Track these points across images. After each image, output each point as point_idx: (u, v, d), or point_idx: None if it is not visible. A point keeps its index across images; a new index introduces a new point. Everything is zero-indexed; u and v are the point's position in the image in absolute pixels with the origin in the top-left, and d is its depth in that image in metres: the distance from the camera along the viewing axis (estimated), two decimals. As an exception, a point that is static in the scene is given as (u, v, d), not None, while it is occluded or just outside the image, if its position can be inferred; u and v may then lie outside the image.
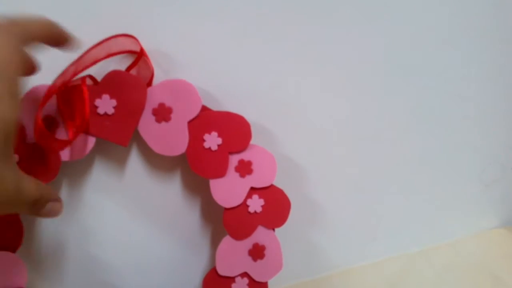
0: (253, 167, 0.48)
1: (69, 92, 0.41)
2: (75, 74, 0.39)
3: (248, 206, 0.50)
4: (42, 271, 0.51)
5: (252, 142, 0.48)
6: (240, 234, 0.50)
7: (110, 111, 0.42)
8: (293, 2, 0.47)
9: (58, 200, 0.36)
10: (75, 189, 0.49)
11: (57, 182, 0.47)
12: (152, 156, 0.49)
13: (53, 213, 0.35)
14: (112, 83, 0.42)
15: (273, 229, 0.52)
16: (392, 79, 0.57)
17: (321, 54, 0.51)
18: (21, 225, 0.43)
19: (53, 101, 0.41)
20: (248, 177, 0.49)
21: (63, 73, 0.39)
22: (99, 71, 0.43)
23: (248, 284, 0.53)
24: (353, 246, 0.68)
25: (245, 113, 0.47)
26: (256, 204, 0.50)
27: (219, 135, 0.46)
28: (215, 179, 0.48)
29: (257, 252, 0.52)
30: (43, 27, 0.34)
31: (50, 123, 0.42)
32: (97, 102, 0.42)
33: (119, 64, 0.44)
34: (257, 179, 0.49)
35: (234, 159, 0.48)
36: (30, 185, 0.31)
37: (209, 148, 0.46)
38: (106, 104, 0.42)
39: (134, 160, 0.49)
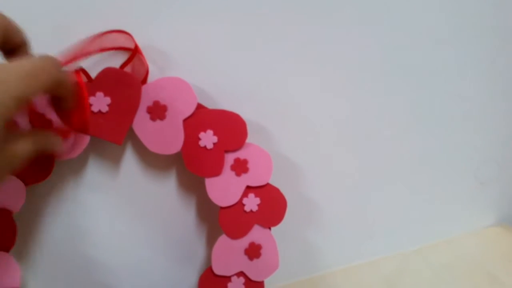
0: (249, 165, 0.48)
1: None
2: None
3: (244, 205, 0.49)
4: (36, 271, 0.51)
5: (248, 140, 0.48)
6: (236, 233, 0.50)
7: (104, 109, 0.42)
8: (292, 2, 0.47)
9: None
10: (69, 188, 0.48)
11: (50, 181, 0.47)
12: (147, 155, 0.49)
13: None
14: (106, 81, 0.41)
15: (269, 228, 0.52)
16: (390, 79, 0.57)
17: (319, 53, 0.51)
18: (14, 224, 0.43)
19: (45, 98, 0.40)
20: (244, 176, 0.48)
21: None
22: (93, 68, 0.42)
23: (244, 283, 0.53)
24: (350, 245, 0.68)
25: (241, 112, 0.47)
26: (252, 203, 0.50)
27: (214, 134, 0.46)
28: (211, 177, 0.47)
29: (253, 251, 0.51)
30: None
31: (42, 121, 0.41)
32: (91, 99, 0.41)
33: (113, 61, 0.44)
34: (253, 178, 0.49)
35: (229, 158, 0.48)
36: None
37: (205, 147, 0.46)
38: (100, 102, 0.42)
39: (129, 158, 0.49)
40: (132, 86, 0.42)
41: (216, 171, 0.47)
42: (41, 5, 0.40)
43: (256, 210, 0.50)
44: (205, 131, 0.46)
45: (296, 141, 0.55)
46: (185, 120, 0.45)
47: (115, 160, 0.49)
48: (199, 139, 0.46)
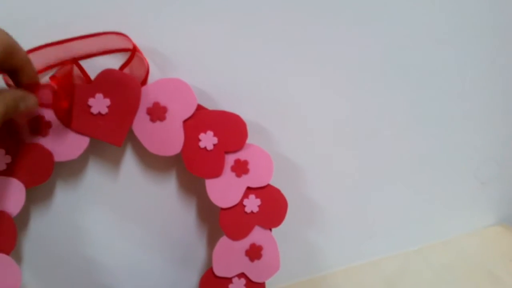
0: (250, 166, 0.48)
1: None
2: (64, 62, 0.39)
3: (244, 206, 0.49)
4: (36, 273, 0.51)
5: (248, 141, 0.47)
6: (236, 234, 0.50)
7: (104, 110, 0.42)
8: (292, 2, 0.47)
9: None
10: (69, 190, 0.48)
11: (50, 182, 0.47)
12: (147, 156, 0.49)
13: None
14: (106, 82, 0.41)
15: (270, 229, 0.52)
16: (390, 79, 0.57)
17: (319, 53, 0.51)
18: (14, 227, 0.43)
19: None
20: (244, 177, 0.48)
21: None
22: (92, 70, 0.42)
23: (245, 285, 0.53)
24: (351, 245, 0.68)
25: (241, 112, 0.46)
26: (252, 204, 0.49)
27: (214, 135, 0.46)
28: (211, 179, 0.47)
29: (254, 253, 0.51)
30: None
31: (43, 123, 0.41)
32: (91, 101, 0.41)
33: (112, 62, 0.43)
34: (253, 179, 0.49)
35: (230, 159, 0.47)
36: None
37: (205, 148, 0.46)
38: (99, 104, 0.42)
39: (129, 160, 0.49)
40: (132, 87, 0.42)
41: (216, 172, 0.47)
42: (41, 4, 0.40)
43: (257, 211, 0.50)
44: (205, 132, 0.45)
45: (296, 141, 0.55)
46: (185, 121, 0.45)
47: (115, 161, 0.49)
48: (199, 140, 0.46)
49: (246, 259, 0.51)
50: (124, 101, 0.42)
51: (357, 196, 0.64)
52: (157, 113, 0.44)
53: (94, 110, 0.41)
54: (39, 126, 0.41)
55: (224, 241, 0.50)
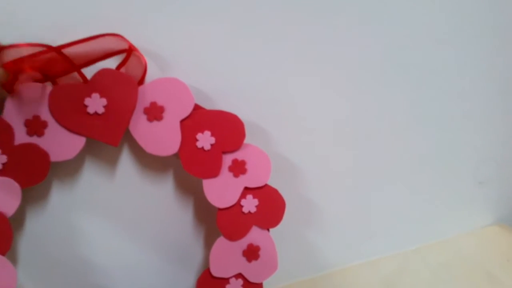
0: (247, 166, 0.48)
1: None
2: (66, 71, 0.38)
3: (242, 206, 0.49)
4: (32, 274, 0.50)
5: (247, 141, 0.47)
6: (234, 234, 0.50)
7: (100, 110, 0.41)
8: (292, 2, 0.47)
9: None
10: (65, 190, 0.48)
11: (46, 183, 0.47)
12: (143, 156, 0.49)
13: None
14: (102, 82, 0.41)
15: (268, 229, 0.52)
16: (390, 79, 0.57)
17: (319, 53, 0.51)
18: (9, 227, 0.42)
19: (41, 100, 0.40)
20: (242, 177, 0.48)
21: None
22: (88, 69, 0.42)
23: (243, 285, 0.53)
24: (349, 245, 0.68)
25: (238, 112, 0.46)
26: (250, 204, 0.49)
27: (212, 134, 0.46)
28: (208, 179, 0.47)
29: (251, 253, 0.51)
30: None
31: (38, 123, 0.41)
32: (87, 101, 0.41)
33: (109, 62, 0.43)
34: (251, 179, 0.48)
35: (227, 159, 0.47)
36: None
37: (202, 148, 0.46)
38: (96, 103, 0.41)
39: (126, 160, 0.49)
40: (128, 87, 0.42)
41: (213, 173, 0.47)
42: (41, 4, 0.40)
43: (255, 212, 0.50)
44: (202, 132, 0.45)
45: (295, 141, 0.55)
46: (182, 121, 0.44)
47: (112, 162, 0.48)
48: (197, 140, 0.45)
49: (244, 259, 0.51)
50: (121, 100, 0.42)
51: (355, 196, 0.64)
52: (154, 112, 0.43)
53: (91, 110, 0.41)
54: (35, 126, 0.41)
55: (221, 241, 0.50)
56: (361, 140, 0.59)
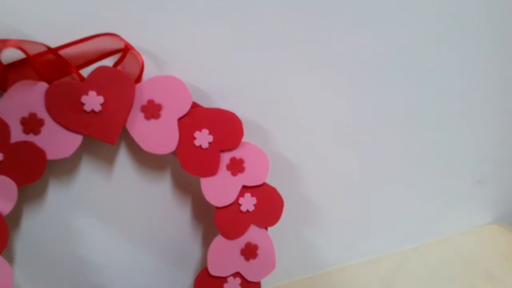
0: (245, 165, 0.48)
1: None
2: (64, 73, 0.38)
3: (240, 205, 0.49)
4: (28, 273, 0.50)
5: (244, 139, 0.47)
6: (232, 233, 0.50)
7: (97, 108, 0.41)
8: (292, 2, 0.47)
9: None
10: (62, 188, 0.48)
11: (43, 181, 0.46)
12: (141, 154, 0.49)
13: None
14: (99, 79, 0.41)
15: (266, 228, 0.52)
16: (389, 79, 0.57)
17: (318, 53, 0.51)
18: (5, 226, 0.42)
19: (37, 98, 0.40)
20: (240, 175, 0.48)
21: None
22: (85, 68, 0.42)
23: (241, 284, 0.52)
24: (348, 244, 0.68)
25: (237, 111, 0.46)
26: (248, 202, 0.49)
27: (210, 133, 0.45)
28: (206, 177, 0.47)
29: (249, 252, 0.51)
30: None
31: (35, 121, 0.40)
32: (84, 98, 0.41)
33: (106, 60, 0.43)
34: (249, 177, 0.48)
35: (225, 157, 0.47)
36: None
37: (200, 146, 0.45)
38: (93, 101, 0.41)
39: (123, 158, 0.49)
40: (125, 84, 0.42)
41: (211, 171, 0.47)
42: (40, 6, 0.40)
43: (253, 210, 0.50)
44: (200, 130, 0.45)
45: (293, 140, 0.55)
46: (180, 119, 0.44)
47: (109, 160, 0.48)
48: (194, 138, 0.45)
49: (242, 258, 0.51)
50: (118, 98, 0.42)
51: (354, 195, 0.64)
52: (152, 110, 0.43)
53: (87, 108, 0.41)
54: (32, 124, 0.40)
55: (219, 240, 0.50)
56: (360, 140, 0.59)
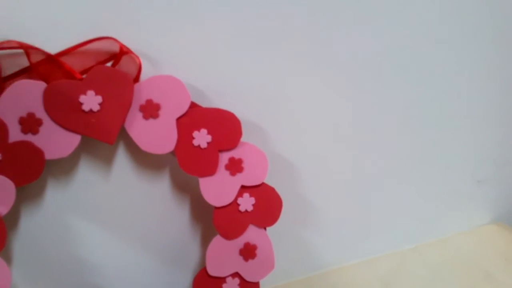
0: (244, 165, 0.48)
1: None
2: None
3: (239, 204, 0.49)
4: (26, 273, 0.50)
5: (243, 139, 0.47)
6: (230, 233, 0.50)
7: (96, 107, 0.41)
8: (292, 2, 0.47)
9: None
10: (60, 188, 0.48)
11: (41, 181, 0.46)
12: (139, 154, 0.49)
13: None
14: (98, 79, 0.41)
15: (265, 228, 0.52)
16: (388, 79, 0.57)
17: (318, 53, 0.51)
18: (3, 226, 0.42)
19: (35, 97, 0.40)
20: (238, 175, 0.48)
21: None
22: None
23: (239, 284, 0.52)
24: (347, 244, 0.68)
25: (235, 110, 0.46)
26: (247, 202, 0.49)
27: (208, 133, 0.45)
28: (205, 177, 0.47)
29: (248, 252, 0.51)
30: None
31: (33, 121, 0.40)
32: (82, 98, 0.41)
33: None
34: (248, 177, 0.48)
35: (224, 157, 0.47)
36: None
37: (199, 146, 0.45)
38: (91, 101, 0.41)
39: (121, 158, 0.48)
40: (124, 84, 0.42)
41: (210, 171, 0.47)
42: (36, 10, 0.40)
43: (251, 210, 0.49)
44: (199, 130, 0.45)
45: (292, 140, 0.55)
46: (178, 119, 0.44)
47: (107, 159, 0.48)
48: (193, 138, 0.45)
49: (240, 258, 0.51)
50: (117, 98, 0.42)
51: (353, 195, 0.63)
52: (150, 110, 0.43)
53: (86, 107, 0.41)
54: (30, 124, 0.40)
55: (218, 240, 0.50)
56: (359, 140, 0.59)
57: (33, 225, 0.48)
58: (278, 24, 0.48)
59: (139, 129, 0.43)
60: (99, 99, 0.41)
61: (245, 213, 0.49)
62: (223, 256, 0.50)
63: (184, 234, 0.55)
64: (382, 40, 0.54)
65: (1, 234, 0.42)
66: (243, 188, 0.49)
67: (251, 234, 0.51)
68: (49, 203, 0.48)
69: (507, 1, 0.59)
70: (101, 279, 0.54)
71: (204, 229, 0.56)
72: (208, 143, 0.46)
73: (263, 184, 0.49)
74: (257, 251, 0.51)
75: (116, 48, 0.42)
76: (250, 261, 0.51)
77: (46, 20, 0.40)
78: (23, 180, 0.42)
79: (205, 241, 0.56)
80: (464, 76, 0.62)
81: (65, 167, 0.47)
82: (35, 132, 0.41)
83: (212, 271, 0.50)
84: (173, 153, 0.45)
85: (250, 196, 0.49)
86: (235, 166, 0.47)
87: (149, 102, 0.43)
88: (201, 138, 0.45)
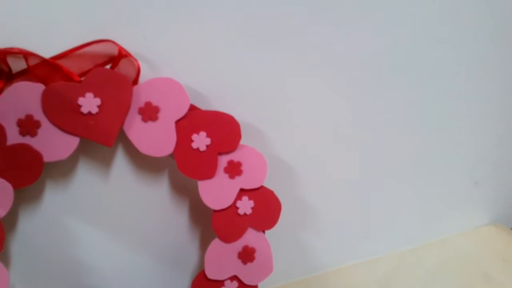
0: (243, 168, 0.48)
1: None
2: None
3: (237, 208, 0.49)
4: (24, 275, 0.50)
5: (242, 142, 0.47)
6: (229, 236, 0.50)
7: (94, 110, 0.41)
8: (291, 2, 0.47)
9: None
10: (59, 191, 0.47)
11: (39, 183, 0.46)
12: (138, 157, 0.48)
13: None
14: (96, 81, 0.41)
15: (263, 231, 0.51)
16: (388, 79, 0.56)
17: (317, 53, 0.51)
18: (1, 228, 0.42)
19: (34, 99, 0.40)
20: (237, 178, 0.48)
21: None
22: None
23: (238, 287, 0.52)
24: (345, 246, 0.68)
25: (234, 113, 0.46)
26: (246, 205, 0.49)
27: (207, 135, 0.45)
28: (204, 180, 0.47)
29: (247, 255, 0.51)
30: None
31: (31, 123, 0.40)
32: (81, 100, 0.40)
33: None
34: (247, 180, 0.48)
35: (223, 160, 0.47)
36: None
37: (198, 149, 0.45)
38: (90, 103, 0.41)
39: (120, 161, 0.48)
40: (123, 86, 0.41)
41: (209, 174, 0.46)
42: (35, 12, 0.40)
43: (250, 213, 0.49)
44: (198, 132, 0.45)
45: (291, 143, 0.55)
46: (177, 122, 0.44)
47: (106, 162, 0.48)
48: (192, 141, 0.45)
49: (239, 261, 0.51)
50: (115, 100, 0.41)
51: (351, 196, 0.63)
52: (149, 113, 0.43)
53: (84, 110, 0.41)
54: (28, 126, 0.40)
55: (216, 243, 0.50)
56: (358, 141, 0.59)
57: (31, 227, 0.48)
58: (278, 24, 0.48)
59: (138, 131, 0.43)
60: (97, 101, 0.41)
61: (244, 216, 0.49)
62: (221, 259, 0.50)
63: (183, 236, 0.55)
64: (382, 40, 0.53)
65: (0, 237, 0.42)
66: (242, 191, 0.48)
67: (250, 237, 0.50)
68: (47, 206, 0.47)
69: (507, 1, 0.58)
70: (99, 281, 0.54)
71: (203, 232, 0.56)
72: (207, 146, 0.45)
73: (262, 187, 0.49)
74: (256, 254, 0.51)
75: (114, 51, 0.42)
76: (249, 264, 0.51)
77: (44, 22, 0.40)
78: (21, 182, 0.41)
79: (203, 244, 0.56)
80: (464, 76, 0.61)
81: (63, 169, 0.47)
82: (33, 134, 0.40)
83: (211, 274, 0.50)
84: (172, 155, 0.45)
85: (249, 199, 0.49)
86: (234, 169, 0.47)
87: (148, 104, 0.43)
88: (200, 141, 0.45)
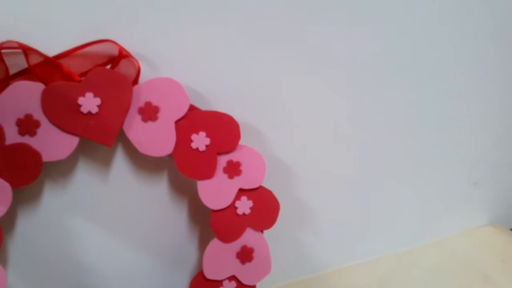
0: (242, 168, 0.48)
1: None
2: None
3: (236, 208, 0.49)
4: (22, 276, 0.50)
5: (241, 142, 0.47)
6: (228, 236, 0.50)
7: (94, 110, 0.41)
8: (291, 2, 0.47)
9: None
10: (58, 191, 0.47)
11: (39, 183, 0.46)
12: (137, 157, 0.48)
13: None
14: (97, 81, 0.41)
15: (262, 231, 0.52)
16: (387, 79, 0.56)
17: (317, 53, 0.51)
18: None
19: (33, 99, 0.39)
20: (236, 178, 0.48)
21: None
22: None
23: (236, 287, 0.52)
24: (344, 246, 0.68)
25: (234, 113, 0.46)
26: (244, 205, 0.49)
27: (207, 135, 0.45)
28: (203, 180, 0.47)
29: (245, 255, 0.51)
30: None
31: (31, 122, 0.40)
32: (80, 100, 0.40)
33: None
34: (246, 180, 0.48)
35: (222, 160, 0.47)
36: None
37: (197, 149, 0.45)
38: (89, 103, 0.41)
39: (119, 160, 0.48)
40: (123, 86, 0.41)
41: (208, 174, 0.47)
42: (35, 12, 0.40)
43: (249, 213, 0.49)
44: (197, 133, 0.45)
45: (290, 143, 0.55)
46: (177, 122, 0.44)
47: (105, 162, 0.48)
48: (191, 141, 0.45)
49: (237, 261, 0.51)
50: (115, 100, 0.41)
51: (350, 197, 0.63)
52: (149, 113, 0.43)
53: (84, 109, 0.41)
54: (27, 125, 0.40)
55: (215, 243, 0.50)
56: (358, 141, 0.59)
57: (30, 227, 0.48)
58: (278, 25, 0.48)
59: (138, 131, 0.43)
60: (97, 101, 0.41)
61: (242, 216, 0.49)
62: (220, 259, 0.50)
63: (182, 236, 0.55)
64: (382, 40, 0.53)
65: (-3, 236, 0.42)
66: (241, 191, 0.49)
67: (248, 237, 0.51)
68: (46, 205, 0.47)
69: (507, 1, 0.58)
70: (98, 281, 0.53)
71: (201, 231, 0.56)
72: (206, 146, 0.45)
73: (260, 187, 0.49)
74: (254, 254, 0.51)
75: (115, 51, 0.42)
76: (247, 264, 0.51)
77: (44, 22, 0.40)
78: (20, 182, 0.41)
79: (202, 244, 0.56)
80: (463, 76, 0.62)
81: (63, 169, 0.47)
82: (32, 134, 0.40)
83: (209, 274, 0.50)
84: (171, 155, 0.45)
85: (248, 199, 0.49)
86: (233, 169, 0.47)
87: (148, 104, 0.43)
88: (200, 141, 0.45)
